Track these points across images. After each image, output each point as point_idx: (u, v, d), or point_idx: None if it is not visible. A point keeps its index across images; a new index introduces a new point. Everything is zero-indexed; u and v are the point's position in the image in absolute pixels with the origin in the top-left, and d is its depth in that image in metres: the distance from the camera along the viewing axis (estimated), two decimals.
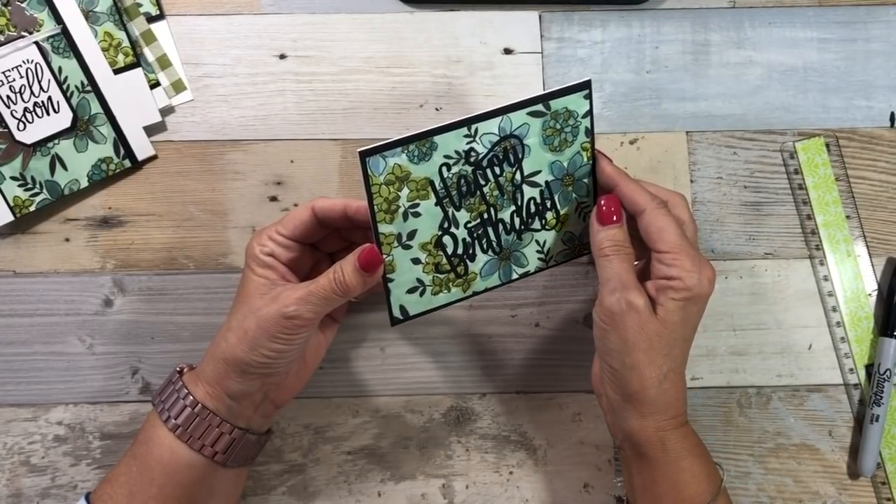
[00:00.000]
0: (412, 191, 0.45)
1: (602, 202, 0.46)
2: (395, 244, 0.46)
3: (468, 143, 0.46)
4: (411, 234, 0.46)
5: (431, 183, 0.46)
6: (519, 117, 0.46)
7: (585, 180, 0.49)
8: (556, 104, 0.46)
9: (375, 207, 0.45)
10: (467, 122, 0.45)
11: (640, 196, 0.46)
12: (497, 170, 0.47)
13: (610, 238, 0.46)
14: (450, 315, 0.57)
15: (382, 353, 0.57)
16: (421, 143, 0.45)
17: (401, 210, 0.46)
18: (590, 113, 0.47)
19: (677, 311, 0.44)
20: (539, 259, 0.50)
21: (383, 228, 0.46)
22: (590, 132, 0.48)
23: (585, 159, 0.48)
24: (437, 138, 0.45)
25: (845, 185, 0.58)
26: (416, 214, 0.46)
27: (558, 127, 0.47)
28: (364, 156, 0.44)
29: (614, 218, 0.46)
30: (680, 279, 0.44)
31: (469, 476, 0.56)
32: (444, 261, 0.48)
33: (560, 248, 0.50)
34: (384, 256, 0.46)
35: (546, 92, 0.46)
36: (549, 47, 0.59)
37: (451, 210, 0.47)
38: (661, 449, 0.44)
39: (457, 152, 0.46)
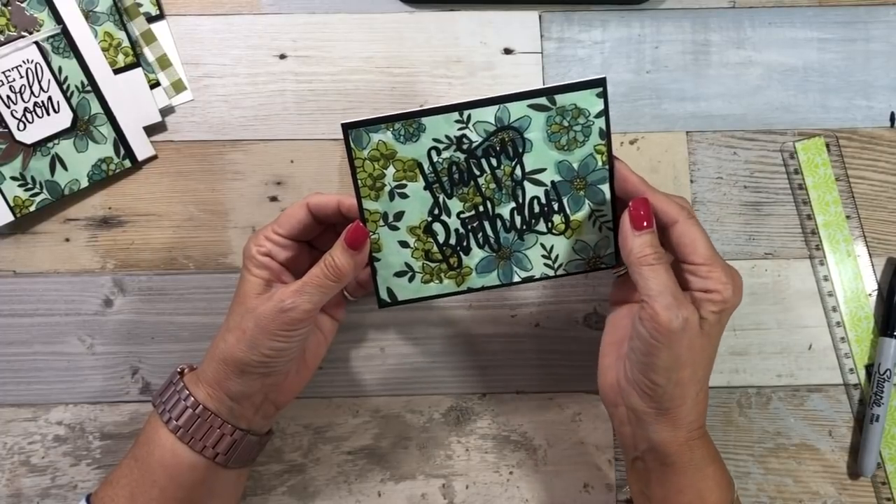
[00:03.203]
0: (398, 170, 0.45)
1: (633, 207, 0.44)
2: (381, 223, 0.46)
3: (460, 130, 0.45)
4: (398, 216, 0.46)
5: (419, 165, 0.45)
6: (518, 109, 0.45)
7: (601, 187, 0.46)
8: (562, 99, 0.44)
9: (359, 182, 0.45)
10: (458, 108, 0.44)
11: (669, 206, 0.44)
12: (493, 161, 0.46)
13: (650, 244, 0.43)
14: (450, 315, 0.57)
15: (382, 353, 0.57)
16: (408, 122, 0.44)
17: (387, 188, 0.45)
18: (604, 113, 0.45)
19: (716, 325, 0.43)
20: (546, 265, 0.48)
21: (368, 205, 0.45)
22: (605, 134, 0.45)
23: (600, 163, 0.46)
24: (424, 120, 0.44)
25: (845, 185, 0.58)
26: (404, 195, 0.46)
27: (566, 124, 0.45)
28: (347, 128, 0.44)
29: (645, 224, 0.43)
30: (718, 291, 0.42)
31: (469, 476, 0.56)
32: (435, 249, 0.47)
33: (571, 258, 0.48)
34: (370, 234, 0.46)
35: (550, 85, 0.44)
36: (549, 47, 0.59)
37: (441, 196, 0.46)
38: (688, 458, 0.44)
39: (447, 137, 0.45)
